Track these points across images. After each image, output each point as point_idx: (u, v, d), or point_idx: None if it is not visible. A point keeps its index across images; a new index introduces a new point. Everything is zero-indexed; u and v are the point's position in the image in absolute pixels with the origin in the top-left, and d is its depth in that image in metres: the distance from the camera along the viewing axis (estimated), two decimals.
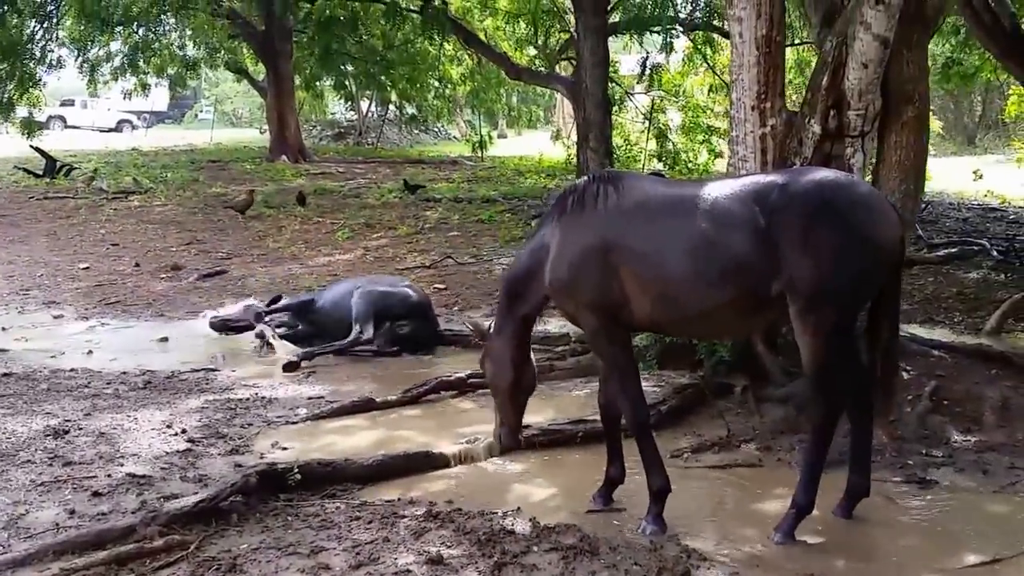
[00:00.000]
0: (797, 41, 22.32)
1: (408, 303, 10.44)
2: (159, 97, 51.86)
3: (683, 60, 26.83)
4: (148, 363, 9.61)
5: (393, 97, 39.25)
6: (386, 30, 28.98)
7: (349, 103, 47.89)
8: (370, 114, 50.23)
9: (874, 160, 8.61)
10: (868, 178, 8.41)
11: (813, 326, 5.50)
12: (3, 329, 10.98)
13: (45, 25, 26.87)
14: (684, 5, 22.01)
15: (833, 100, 8.04)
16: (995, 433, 7.51)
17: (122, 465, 6.72)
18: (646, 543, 5.63)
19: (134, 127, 56.84)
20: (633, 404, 5.91)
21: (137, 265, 14.97)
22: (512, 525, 5.86)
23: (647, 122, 28.95)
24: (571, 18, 25.24)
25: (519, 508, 6.11)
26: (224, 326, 10.80)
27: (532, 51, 28.40)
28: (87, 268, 14.67)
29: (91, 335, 10.88)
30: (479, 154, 34.09)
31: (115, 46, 31.29)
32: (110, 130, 53.69)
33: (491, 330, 6.44)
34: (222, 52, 33.99)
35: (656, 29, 23.28)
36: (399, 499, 6.29)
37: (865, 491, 6.00)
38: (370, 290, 10.43)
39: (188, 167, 28.64)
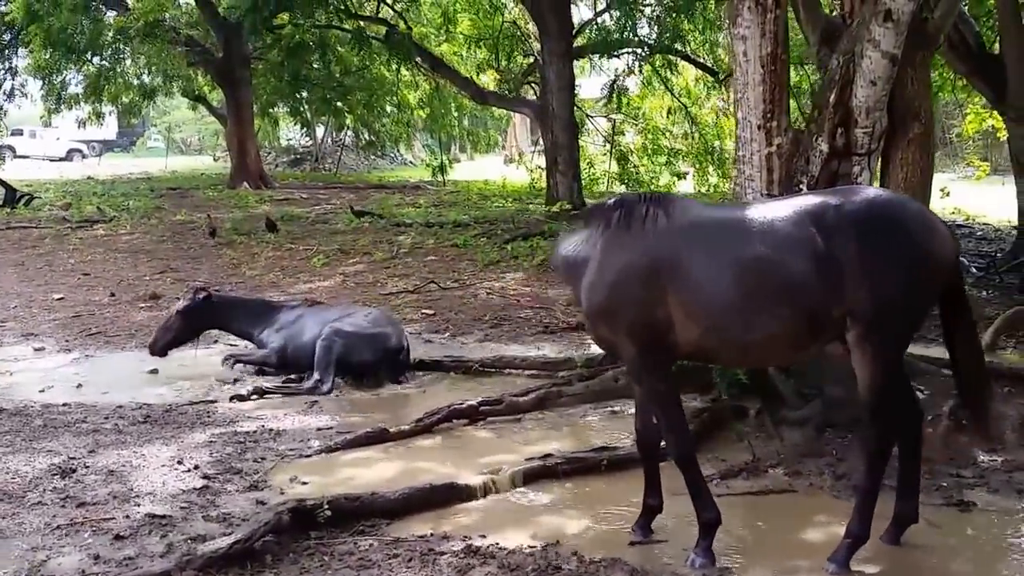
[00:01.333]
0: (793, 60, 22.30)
1: (382, 347, 9.69)
2: (107, 126, 51.23)
3: (641, 83, 26.82)
4: (142, 396, 9.22)
5: (349, 123, 39.06)
6: (343, 56, 28.83)
7: (305, 129, 47.75)
8: (326, 140, 49.94)
9: (879, 178, 8.49)
10: None
11: (873, 350, 5.34)
12: None
13: (5, 53, 26.30)
14: (650, 30, 21.79)
15: (840, 118, 7.92)
16: (1019, 452, 7.37)
17: (139, 505, 6.37)
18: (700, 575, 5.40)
19: (84, 156, 56.10)
20: (677, 435, 5.66)
21: (113, 295, 14.51)
22: (556, 560, 5.59)
23: (609, 145, 28.96)
24: (534, 43, 25.18)
25: (558, 541, 5.86)
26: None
27: (488, 76, 28.28)
28: (62, 299, 14.19)
29: (77, 367, 10.46)
30: (440, 179, 33.83)
31: (70, 75, 30.78)
32: (60, 159, 52.83)
33: None
34: (180, 80, 33.45)
35: (621, 53, 23.29)
36: (431, 534, 6.00)
37: (914, 518, 5.81)
38: (339, 332, 9.62)
39: (149, 195, 28.09)
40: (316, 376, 9.44)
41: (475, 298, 14.11)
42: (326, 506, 5.99)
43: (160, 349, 10.19)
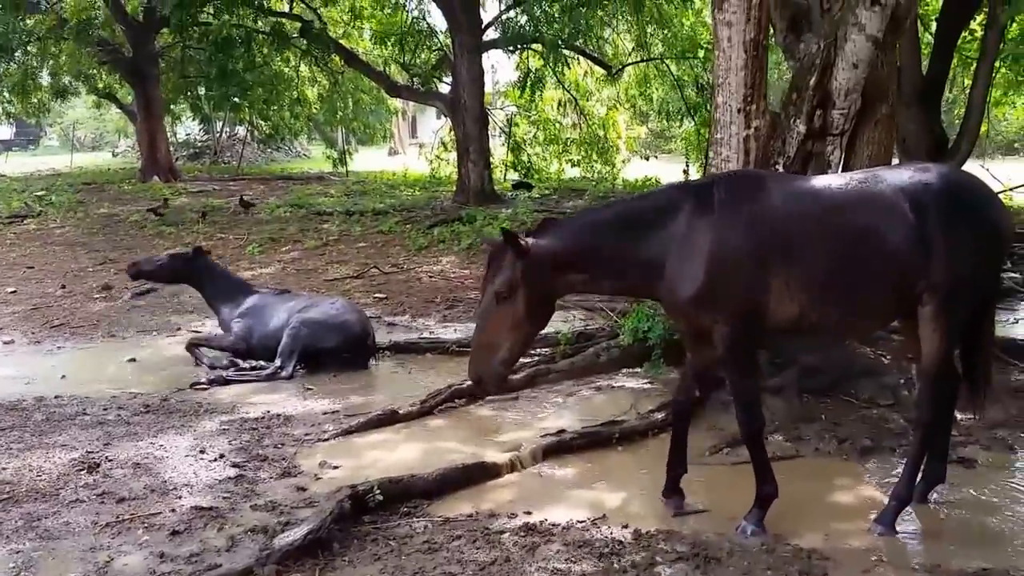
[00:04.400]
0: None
1: (348, 335, 9.10)
2: (4, 126, 48.67)
3: (532, 78, 26.48)
4: (129, 386, 8.53)
5: (248, 117, 37.89)
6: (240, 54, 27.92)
7: (203, 124, 46.15)
8: (222, 134, 48.33)
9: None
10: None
11: (945, 324, 5.15)
12: None
13: None
14: (562, 25, 21.47)
15: (819, 100, 7.71)
16: (991, 411, 7.28)
17: (180, 498, 5.79)
18: (758, 544, 5.12)
19: None
20: (753, 413, 5.31)
21: (63, 287, 13.58)
22: (613, 534, 5.27)
23: (505, 135, 28.67)
24: (443, 37, 24.65)
25: (604, 516, 5.53)
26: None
27: (393, 70, 27.60)
28: (14, 292, 13.19)
29: (53, 359, 9.65)
30: (342, 170, 33.03)
31: None
32: None
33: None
34: (93, 78, 31.89)
35: (527, 47, 22.96)
36: (476, 513, 5.61)
37: (942, 477, 5.66)
38: (304, 321, 9.06)
39: (68, 190, 26.59)
40: (278, 363, 8.90)
41: (419, 282, 13.65)
42: (377, 490, 5.54)
43: (135, 273, 10.06)
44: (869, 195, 5.12)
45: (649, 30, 24.08)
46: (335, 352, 9.07)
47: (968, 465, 6.30)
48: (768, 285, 5.03)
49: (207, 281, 9.91)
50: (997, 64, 15.31)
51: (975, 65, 15.72)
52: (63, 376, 8.91)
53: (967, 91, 17.08)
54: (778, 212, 5.10)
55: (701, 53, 22.66)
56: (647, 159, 32.57)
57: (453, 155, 26.24)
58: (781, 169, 7.76)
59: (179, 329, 11.00)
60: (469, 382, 7.83)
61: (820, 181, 5.48)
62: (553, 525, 5.38)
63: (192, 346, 9.46)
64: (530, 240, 5.18)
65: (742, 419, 5.34)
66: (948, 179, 5.17)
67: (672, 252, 5.12)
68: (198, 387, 8.46)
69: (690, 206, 5.15)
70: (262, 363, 9.16)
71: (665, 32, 23.82)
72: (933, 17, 17.42)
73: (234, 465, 6.36)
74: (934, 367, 5.23)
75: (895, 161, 9.47)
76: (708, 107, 19.84)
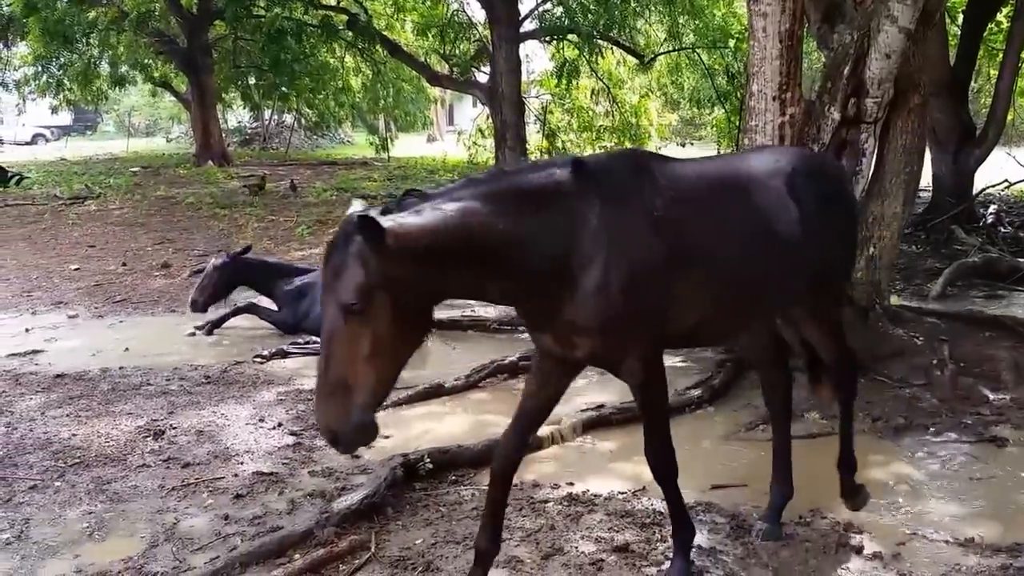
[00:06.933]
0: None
1: None
2: (64, 112, 49.21)
3: (567, 68, 26.36)
4: (190, 358, 8.63)
5: (295, 105, 38.09)
6: (292, 45, 28.07)
7: (253, 112, 46.44)
8: (271, 121, 48.60)
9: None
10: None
11: (830, 312, 4.89)
12: (27, 330, 9.77)
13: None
14: (596, 16, 21.39)
15: (853, 88, 7.62)
16: (1021, 390, 7.22)
17: (242, 463, 5.87)
18: (795, 518, 5.09)
19: (47, 140, 53.73)
20: (669, 456, 4.28)
21: (124, 264, 13.69)
22: (653, 505, 5.25)
23: (540, 123, 28.60)
24: (481, 29, 24.60)
25: (644, 487, 5.49)
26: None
27: (432, 61, 27.60)
28: (78, 269, 13.33)
29: (115, 333, 9.76)
30: (384, 155, 33.14)
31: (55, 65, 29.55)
32: (26, 143, 50.47)
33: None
34: (150, 68, 32.15)
35: (564, 38, 22.89)
36: (521, 483, 5.59)
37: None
38: None
39: (126, 173, 26.82)
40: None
41: None
42: (427, 459, 5.58)
43: (201, 305, 9.71)
44: (754, 178, 4.29)
45: (681, 20, 23.85)
46: None
47: (1000, 444, 6.22)
48: (672, 293, 3.86)
49: (254, 279, 10.01)
50: (1023, 55, 15.07)
51: (1001, 56, 15.54)
52: (126, 348, 9.00)
53: (993, 81, 16.86)
54: (676, 201, 3.89)
55: (732, 43, 22.46)
56: (683, 145, 32.39)
57: (490, 141, 26.23)
58: None
59: (236, 304, 11.07)
60: (510, 358, 8.01)
61: (699, 164, 4.45)
62: (595, 496, 5.39)
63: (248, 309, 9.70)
64: (389, 220, 3.35)
65: (659, 462, 4.24)
66: (813, 161, 4.84)
67: (576, 252, 3.65)
68: (259, 359, 8.53)
69: (596, 195, 3.71)
70: (315, 338, 9.22)
71: (697, 22, 23.59)
72: (960, 9, 17.18)
73: (292, 433, 6.43)
74: (837, 357, 4.90)
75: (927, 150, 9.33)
76: (739, 95, 19.73)
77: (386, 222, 3.29)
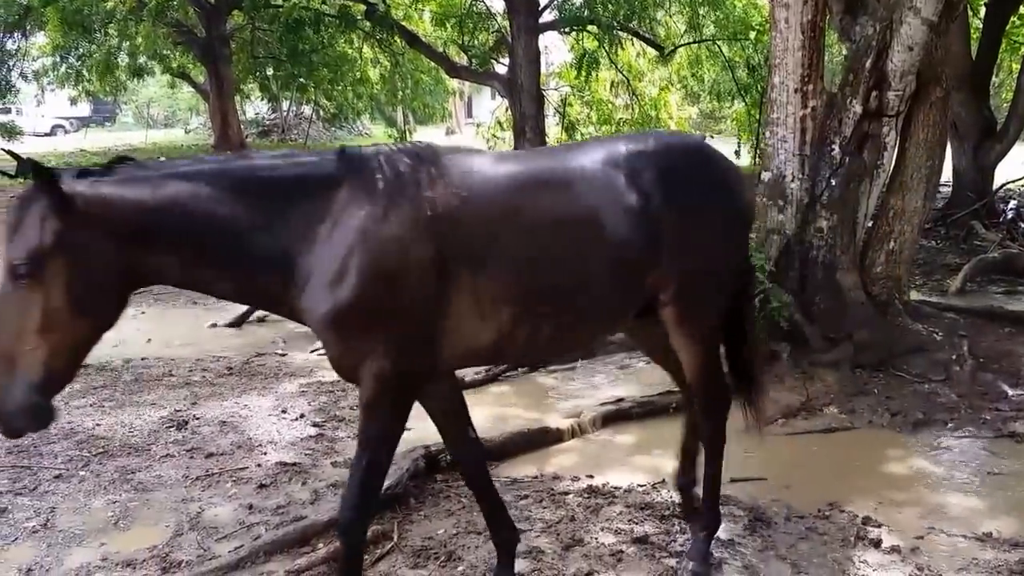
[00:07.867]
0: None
1: None
2: (83, 103, 49.48)
3: (587, 59, 26.37)
4: (213, 350, 8.71)
5: (313, 96, 38.24)
6: (309, 36, 28.16)
7: (271, 103, 46.59)
8: (289, 112, 48.76)
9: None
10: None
11: (695, 325, 4.13)
12: None
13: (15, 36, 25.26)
14: (616, 7, 21.38)
15: (875, 81, 7.62)
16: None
17: (265, 454, 5.95)
18: (814, 511, 5.13)
19: (66, 131, 54.04)
20: (368, 503, 3.72)
21: None
22: (672, 498, 5.29)
23: (559, 115, 28.59)
24: (500, 19, 24.58)
25: (663, 480, 5.55)
26: None
27: (451, 51, 27.61)
28: None
29: (137, 324, 9.79)
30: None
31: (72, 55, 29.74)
32: (46, 134, 50.75)
33: None
34: (169, 59, 32.31)
35: (583, 29, 22.85)
36: (541, 474, 5.69)
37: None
38: None
39: None
40: None
41: None
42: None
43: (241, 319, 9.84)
44: (576, 172, 3.78)
45: (701, 12, 23.80)
46: None
47: (1018, 439, 6.24)
48: (448, 302, 3.46)
49: None
50: None
51: (1023, 49, 15.47)
52: (149, 339, 9.09)
53: (1015, 75, 16.79)
54: (463, 199, 3.51)
55: (752, 35, 22.37)
56: (708, 138, 32.28)
57: (508, 134, 26.19)
58: (838, 150, 7.69)
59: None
60: None
61: (512, 158, 4.02)
62: (615, 488, 5.44)
63: None
64: (81, 184, 3.14)
65: (355, 502, 3.65)
66: (672, 147, 4.04)
67: (309, 247, 3.36)
68: (279, 353, 8.61)
69: (347, 185, 3.42)
70: None
71: (717, 14, 23.51)
72: (982, 2, 17.11)
73: (314, 424, 6.51)
74: (702, 379, 4.22)
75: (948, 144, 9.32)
76: (759, 88, 19.67)
77: (78, 186, 3.10)
